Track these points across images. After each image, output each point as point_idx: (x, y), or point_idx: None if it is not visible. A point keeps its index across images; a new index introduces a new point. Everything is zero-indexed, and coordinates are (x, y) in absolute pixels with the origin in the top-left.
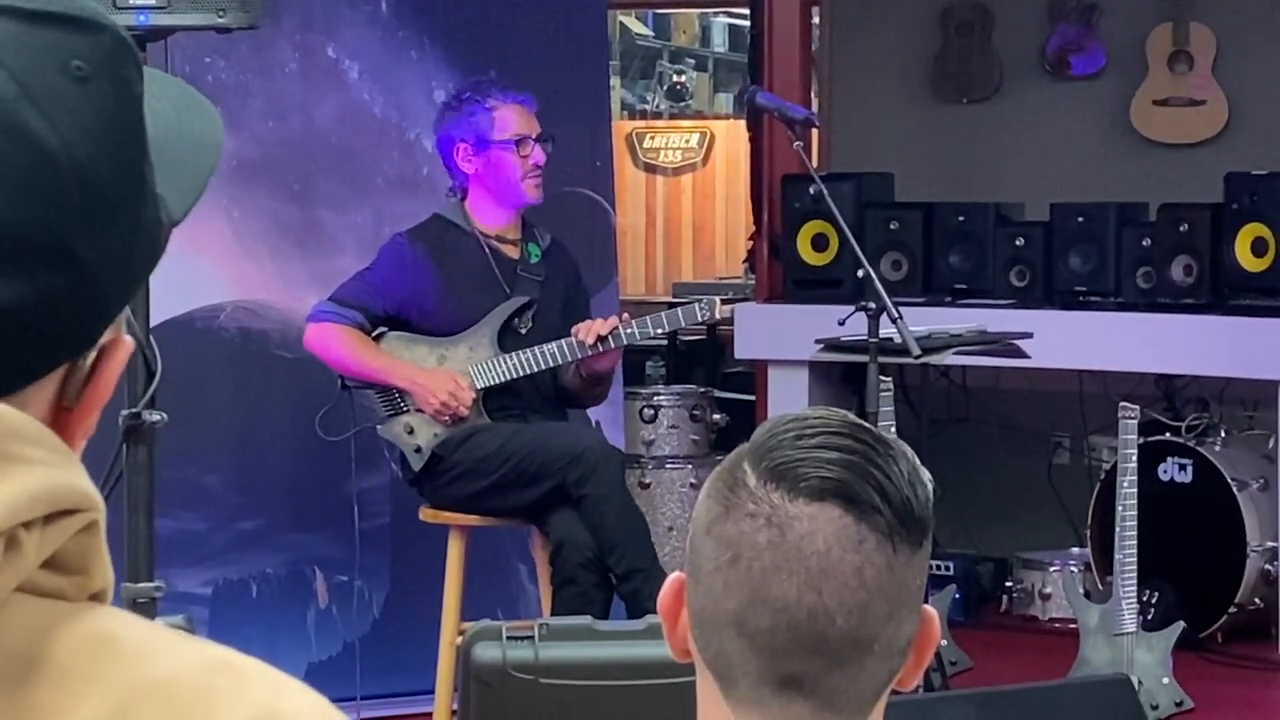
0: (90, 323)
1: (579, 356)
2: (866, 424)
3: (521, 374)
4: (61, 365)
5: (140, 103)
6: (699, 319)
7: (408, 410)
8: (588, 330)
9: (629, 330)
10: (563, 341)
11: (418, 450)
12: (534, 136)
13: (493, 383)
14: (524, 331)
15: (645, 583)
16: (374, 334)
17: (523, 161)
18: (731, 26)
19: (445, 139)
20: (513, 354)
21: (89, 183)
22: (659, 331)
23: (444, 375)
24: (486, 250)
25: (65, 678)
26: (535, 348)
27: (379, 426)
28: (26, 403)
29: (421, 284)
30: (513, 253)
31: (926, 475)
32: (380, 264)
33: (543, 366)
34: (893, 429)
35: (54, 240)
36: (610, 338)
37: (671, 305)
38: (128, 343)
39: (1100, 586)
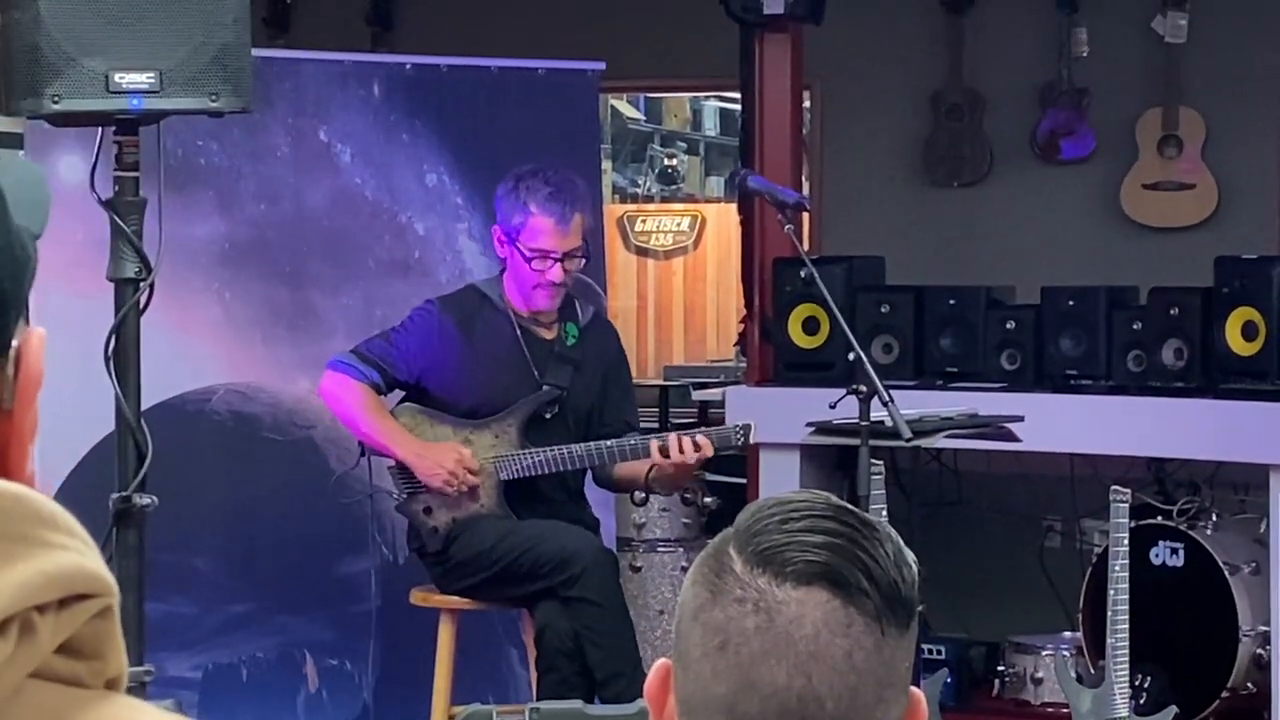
0: None
1: (597, 464)
2: (851, 506)
3: (544, 472)
4: None
5: None
6: (734, 444)
7: (428, 490)
8: (678, 446)
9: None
10: (591, 445)
11: (435, 531)
12: (558, 255)
13: (515, 476)
14: (549, 417)
15: (627, 688)
16: (397, 402)
17: (537, 275)
18: (723, 110)
19: (496, 212)
20: (539, 451)
21: None
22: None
23: (447, 448)
24: (517, 330)
25: None
26: (562, 448)
27: (395, 502)
28: None
29: (446, 355)
30: (547, 335)
31: (911, 556)
32: (408, 327)
33: (566, 468)
34: (884, 512)
35: None
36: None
37: (665, 397)
38: (40, 332)
39: (1092, 670)
